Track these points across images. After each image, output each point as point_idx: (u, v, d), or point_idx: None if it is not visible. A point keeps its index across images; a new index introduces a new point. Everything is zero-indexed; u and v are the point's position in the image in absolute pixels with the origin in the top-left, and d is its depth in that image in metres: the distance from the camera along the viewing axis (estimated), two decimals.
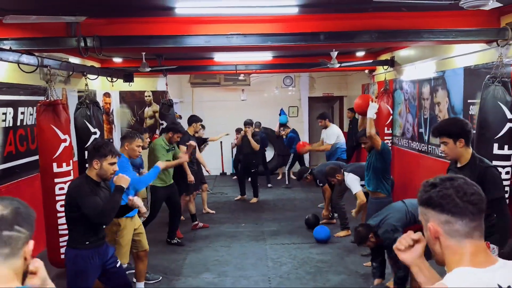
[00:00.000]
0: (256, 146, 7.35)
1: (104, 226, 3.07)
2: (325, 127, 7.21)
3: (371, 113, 4.26)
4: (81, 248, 2.88)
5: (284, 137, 8.62)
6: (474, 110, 4.76)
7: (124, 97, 8.11)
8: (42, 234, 4.17)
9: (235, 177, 9.97)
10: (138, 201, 3.14)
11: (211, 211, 6.98)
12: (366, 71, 8.42)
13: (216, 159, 10.06)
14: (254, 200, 7.65)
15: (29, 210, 1.11)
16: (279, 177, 9.74)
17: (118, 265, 3.11)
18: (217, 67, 7.56)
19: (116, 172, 2.93)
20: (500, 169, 3.91)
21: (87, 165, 2.99)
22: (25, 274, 1.13)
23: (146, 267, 4.07)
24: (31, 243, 1.10)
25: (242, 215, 6.81)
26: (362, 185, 5.00)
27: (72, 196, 2.83)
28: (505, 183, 3.94)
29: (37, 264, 1.18)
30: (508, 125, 3.85)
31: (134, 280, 4.04)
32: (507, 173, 3.90)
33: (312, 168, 6.38)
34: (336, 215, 6.19)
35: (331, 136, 7.14)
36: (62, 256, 3.64)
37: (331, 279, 4.38)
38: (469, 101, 4.87)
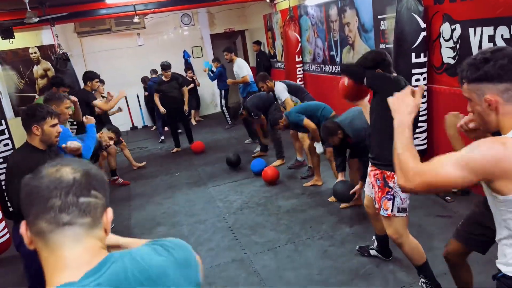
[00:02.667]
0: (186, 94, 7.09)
1: None
2: (231, 60, 7.37)
3: (319, 149, 4.67)
4: None
5: (211, 74, 8.24)
6: (385, 25, 5.06)
7: (5, 57, 6.87)
8: None
9: (155, 127, 9.40)
10: (73, 144, 2.90)
11: (141, 165, 6.62)
12: (267, 0, 8.31)
13: (123, 113, 9.34)
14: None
15: (101, 172, 0.88)
16: (194, 123, 9.47)
17: None
18: (112, 10, 6.76)
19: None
20: (418, 76, 4.34)
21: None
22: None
23: None
24: (110, 212, 0.88)
25: (173, 165, 6.58)
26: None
27: (14, 173, 2.38)
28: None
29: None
30: (422, 34, 4.19)
31: None
32: (424, 79, 4.30)
33: (244, 103, 6.29)
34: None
35: (243, 68, 7.30)
36: None
37: (282, 205, 4.57)
38: (379, 17, 5.14)
